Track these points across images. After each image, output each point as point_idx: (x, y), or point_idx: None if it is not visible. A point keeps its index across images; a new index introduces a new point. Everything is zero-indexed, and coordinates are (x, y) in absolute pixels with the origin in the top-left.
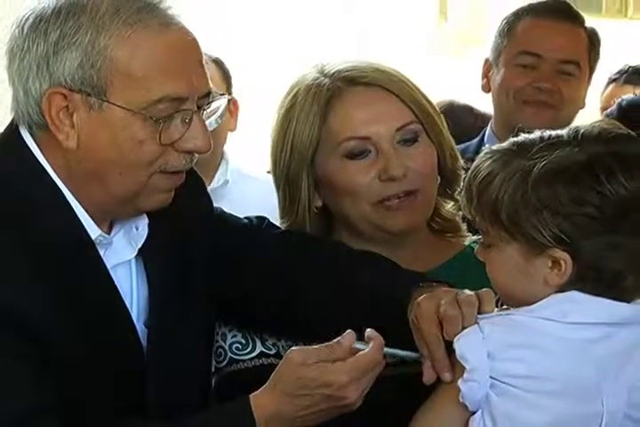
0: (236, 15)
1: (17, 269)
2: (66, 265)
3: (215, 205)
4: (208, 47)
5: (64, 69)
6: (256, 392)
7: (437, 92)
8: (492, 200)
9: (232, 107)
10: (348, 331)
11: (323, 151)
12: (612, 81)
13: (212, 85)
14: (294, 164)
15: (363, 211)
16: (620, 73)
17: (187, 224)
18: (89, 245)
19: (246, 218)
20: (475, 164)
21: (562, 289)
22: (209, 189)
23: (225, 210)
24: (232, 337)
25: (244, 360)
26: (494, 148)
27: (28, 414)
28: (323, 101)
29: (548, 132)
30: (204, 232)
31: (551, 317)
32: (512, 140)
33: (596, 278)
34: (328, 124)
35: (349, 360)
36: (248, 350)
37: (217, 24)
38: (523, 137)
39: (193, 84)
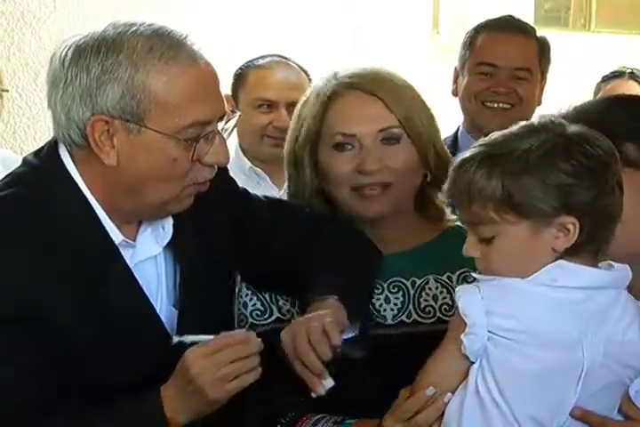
0: (232, 14)
1: (44, 270)
2: (91, 266)
3: None
4: (207, 45)
5: (106, 100)
6: None
7: (431, 92)
8: (498, 192)
9: None
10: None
11: (322, 142)
12: (614, 76)
13: (227, 106)
14: (300, 150)
15: (343, 195)
16: (619, 73)
17: (209, 207)
18: (112, 249)
19: (265, 197)
20: (463, 176)
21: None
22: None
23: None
24: (252, 305)
25: (262, 324)
26: (468, 155)
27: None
28: (325, 100)
29: (509, 132)
30: (226, 209)
31: (543, 282)
32: (479, 144)
33: (588, 249)
34: (326, 120)
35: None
36: (266, 316)
37: (213, 23)
38: (486, 139)
39: (215, 108)
